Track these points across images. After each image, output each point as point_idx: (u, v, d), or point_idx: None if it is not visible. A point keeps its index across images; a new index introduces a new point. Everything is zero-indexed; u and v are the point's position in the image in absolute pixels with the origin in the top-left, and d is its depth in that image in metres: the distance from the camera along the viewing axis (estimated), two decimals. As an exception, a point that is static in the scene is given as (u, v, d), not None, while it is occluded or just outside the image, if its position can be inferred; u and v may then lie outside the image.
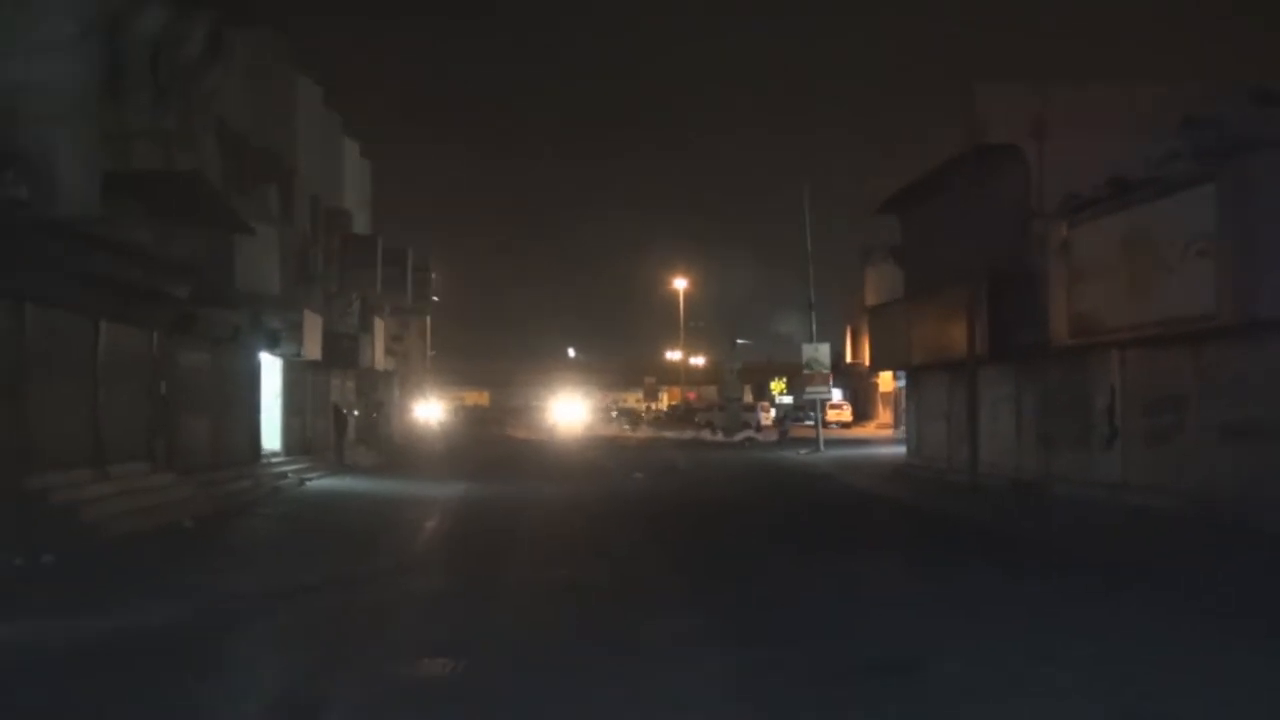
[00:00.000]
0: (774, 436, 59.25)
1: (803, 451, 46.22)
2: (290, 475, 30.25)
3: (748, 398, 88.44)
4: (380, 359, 43.44)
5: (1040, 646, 10.63)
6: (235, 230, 24.45)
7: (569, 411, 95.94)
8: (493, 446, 55.54)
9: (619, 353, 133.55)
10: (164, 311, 22.50)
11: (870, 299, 41.73)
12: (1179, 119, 21.84)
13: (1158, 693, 9.06)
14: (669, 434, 71.48)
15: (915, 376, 35.90)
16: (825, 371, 48.64)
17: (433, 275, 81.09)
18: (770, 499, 27.67)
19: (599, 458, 46.19)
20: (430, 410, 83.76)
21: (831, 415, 77.74)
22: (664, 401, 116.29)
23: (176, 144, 22.15)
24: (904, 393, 42.24)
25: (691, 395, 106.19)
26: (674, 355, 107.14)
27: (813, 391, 48.55)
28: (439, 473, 35.60)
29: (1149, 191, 21.82)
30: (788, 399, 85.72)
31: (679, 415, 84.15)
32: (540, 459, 45.94)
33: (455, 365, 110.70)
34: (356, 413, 37.49)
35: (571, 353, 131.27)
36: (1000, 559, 17.06)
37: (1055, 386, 26.34)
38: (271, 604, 13.26)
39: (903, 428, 44.72)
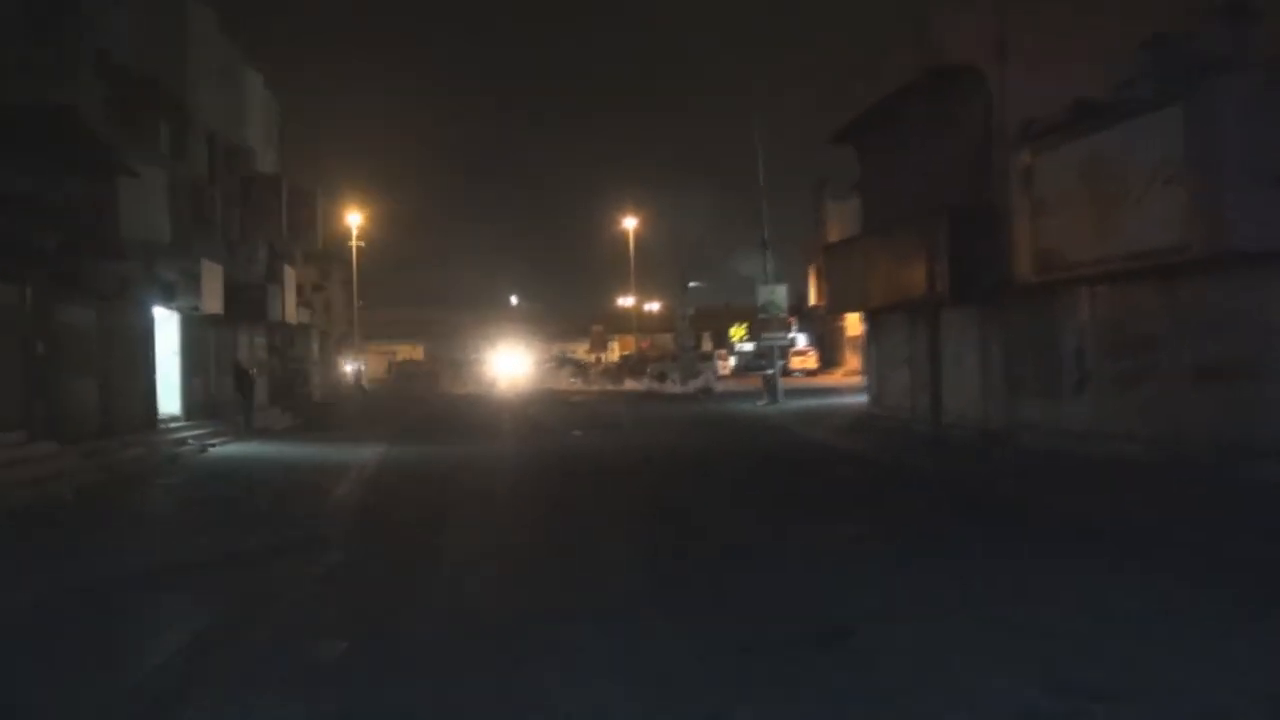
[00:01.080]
0: (732, 386, 59.24)
1: (760, 403, 46.29)
2: (191, 442, 30.06)
3: (706, 346, 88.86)
4: (292, 311, 43.15)
5: (993, 610, 10.79)
6: (117, 172, 24.12)
7: (511, 364, 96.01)
8: (423, 404, 55.59)
9: (567, 300, 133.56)
10: (38, 264, 22.21)
11: (834, 236, 41.84)
12: (1147, 39, 21.87)
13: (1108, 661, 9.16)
14: (619, 387, 71.48)
15: (875, 319, 36.00)
16: (783, 315, 48.58)
17: (356, 219, 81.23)
18: (716, 455, 27.72)
19: (537, 413, 46.34)
20: (357, 366, 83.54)
21: (795, 362, 78.17)
22: (615, 352, 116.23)
23: (50, 77, 21.77)
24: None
25: (645, 344, 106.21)
26: (627, 302, 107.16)
27: (769, 337, 48.47)
28: (360, 434, 35.64)
29: (1113, 115, 21.85)
30: (749, 346, 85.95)
31: (631, 366, 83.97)
32: (472, 416, 46.07)
33: (387, 316, 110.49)
34: (254, 371, 37.15)
35: (515, 301, 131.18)
36: (961, 516, 17.25)
37: (1021, 328, 26.41)
38: (148, 583, 13.19)
39: (870, 375, 44.94)
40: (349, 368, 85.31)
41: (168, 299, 30.26)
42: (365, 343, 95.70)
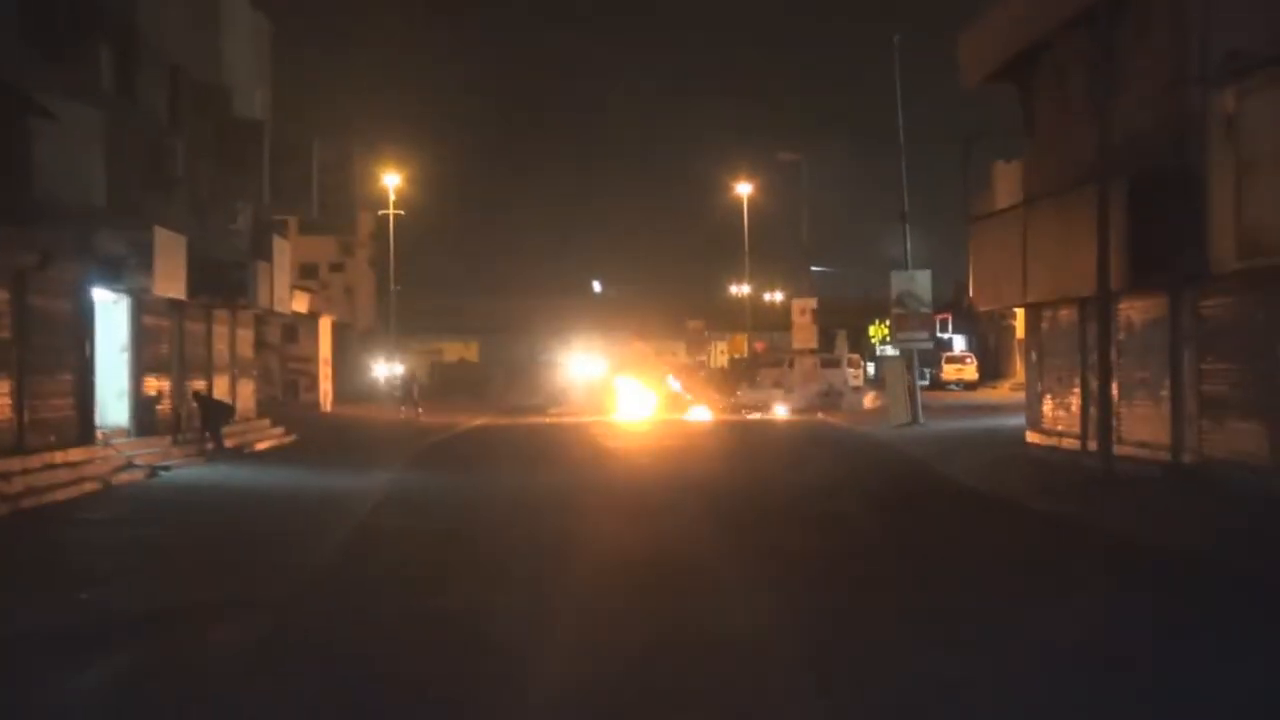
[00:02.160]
0: (865, 403, 57.99)
1: (893, 424, 45.16)
2: (137, 464, 29.64)
3: (841, 347, 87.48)
4: (284, 297, 42.61)
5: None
6: (26, 112, 23.59)
7: (591, 368, 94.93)
8: (461, 419, 54.92)
9: (665, 288, 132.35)
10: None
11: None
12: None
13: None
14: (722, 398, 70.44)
15: (1036, 317, 34.88)
16: (925, 311, 47.34)
17: (393, 180, 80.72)
18: (799, 503, 26.40)
19: (596, 434, 45.70)
20: (388, 369, 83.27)
21: (950, 372, 77.00)
22: (722, 353, 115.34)
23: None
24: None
25: (760, 346, 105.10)
26: (743, 291, 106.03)
27: (905, 339, 47.31)
28: (364, 458, 35.09)
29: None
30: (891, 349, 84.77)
31: (741, 372, 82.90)
32: (516, 439, 45.42)
33: (433, 304, 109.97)
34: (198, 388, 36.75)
35: (598, 287, 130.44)
36: (1146, 605, 15.49)
37: (1223, 330, 25.29)
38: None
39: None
40: (379, 369, 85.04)
41: (112, 277, 29.85)
42: (404, 338, 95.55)
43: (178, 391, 35.26)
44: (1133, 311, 28.61)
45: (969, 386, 75.80)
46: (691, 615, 14.55)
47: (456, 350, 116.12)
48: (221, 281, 36.30)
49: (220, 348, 39.07)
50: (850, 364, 74.28)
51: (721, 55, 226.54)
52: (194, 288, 33.68)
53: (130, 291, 31.32)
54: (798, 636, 13.50)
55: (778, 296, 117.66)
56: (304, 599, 15.90)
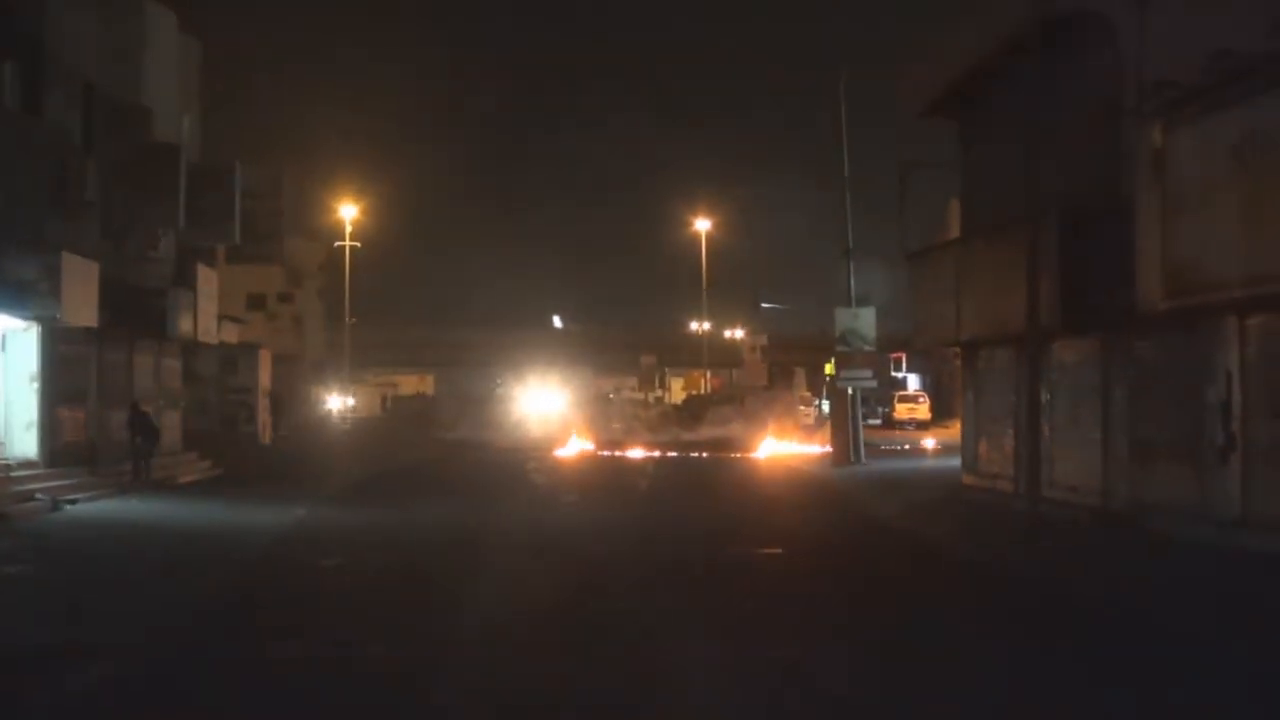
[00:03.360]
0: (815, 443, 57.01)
1: (839, 464, 44.46)
2: (39, 496, 28.57)
3: (800, 384, 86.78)
4: (210, 326, 41.57)
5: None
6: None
7: (545, 403, 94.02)
8: (405, 451, 54.08)
9: (626, 323, 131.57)
10: None
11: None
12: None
13: None
14: (669, 436, 69.58)
15: (972, 356, 34.14)
16: (869, 349, 46.54)
17: (349, 211, 79.86)
18: (726, 543, 25.63)
19: (537, 469, 44.87)
20: (338, 401, 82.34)
21: (903, 411, 76.46)
22: (676, 390, 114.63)
23: None
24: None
25: (717, 382, 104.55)
26: (705, 327, 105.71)
27: (849, 377, 46.43)
28: (290, 490, 34.27)
29: (1274, 73, 19.85)
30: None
31: (691, 409, 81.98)
32: (456, 468, 44.80)
33: (388, 336, 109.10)
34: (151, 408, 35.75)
35: (558, 322, 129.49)
36: (1056, 655, 14.80)
37: (1151, 372, 24.66)
38: None
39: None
40: (332, 402, 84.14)
41: (17, 304, 28.80)
42: (358, 371, 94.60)
43: (93, 422, 34.16)
44: (1066, 352, 27.98)
45: (921, 426, 75.21)
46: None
47: (412, 383, 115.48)
48: (139, 310, 35.31)
49: (143, 378, 37.91)
50: (801, 401, 73.60)
51: (682, 87, 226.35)
52: (110, 316, 32.72)
53: (39, 319, 30.22)
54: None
55: (738, 333, 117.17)
56: (154, 644, 14.94)
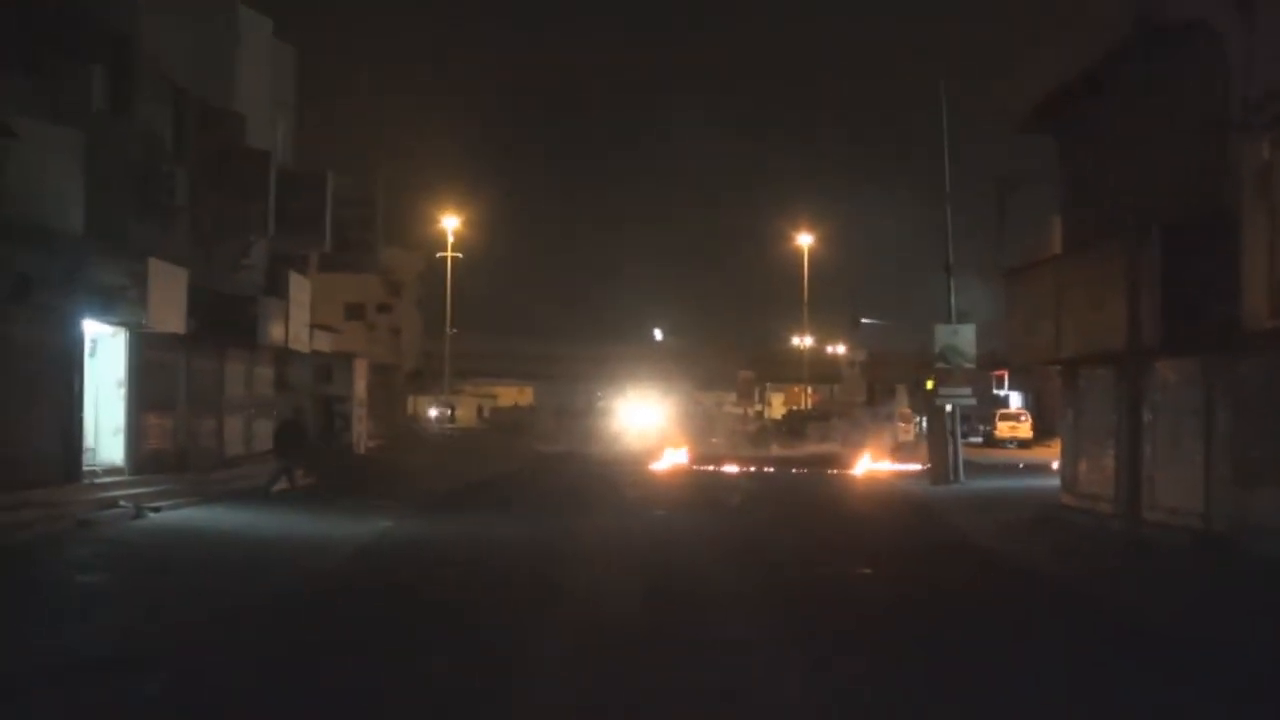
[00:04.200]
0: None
1: (936, 483, 43.69)
2: (123, 504, 28.35)
3: (902, 401, 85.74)
4: (301, 335, 41.49)
5: None
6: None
7: (645, 416, 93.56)
8: (499, 463, 53.80)
9: (727, 338, 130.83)
10: None
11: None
12: None
13: None
14: (767, 451, 68.94)
15: (1071, 376, 33.34)
16: (969, 366, 45.78)
17: (451, 222, 79.87)
18: (814, 559, 25.15)
19: (627, 483, 44.66)
20: (437, 411, 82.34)
21: (1004, 429, 75.36)
22: (775, 405, 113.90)
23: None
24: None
25: (816, 397, 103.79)
26: (805, 342, 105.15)
27: (948, 394, 45.66)
28: (375, 504, 33.76)
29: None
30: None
31: (791, 425, 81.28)
32: (552, 480, 44.93)
33: (487, 348, 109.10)
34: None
35: (659, 335, 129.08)
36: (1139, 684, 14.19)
37: (1254, 392, 23.76)
38: None
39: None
40: (432, 412, 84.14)
41: (104, 310, 28.69)
42: (457, 381, 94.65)
43: (182, 430, 34.07)
44: (1168, 371, 27.09)
45: (1023, 444, 74.06)
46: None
47: (511, 395, 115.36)
48: (230, 317, 35.22)
49: (234, 386, 37.82)
50: (901, 418, 72.76)
51: (783, 100, 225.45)
52: (199, 323, 32.65)
53: (125, 324, 30.12)
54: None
55: (840, 349, 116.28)
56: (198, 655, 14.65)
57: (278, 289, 39.00)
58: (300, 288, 41.07)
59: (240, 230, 36.41)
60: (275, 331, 38.26)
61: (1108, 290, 26.78)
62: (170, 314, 30.80)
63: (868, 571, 23.48)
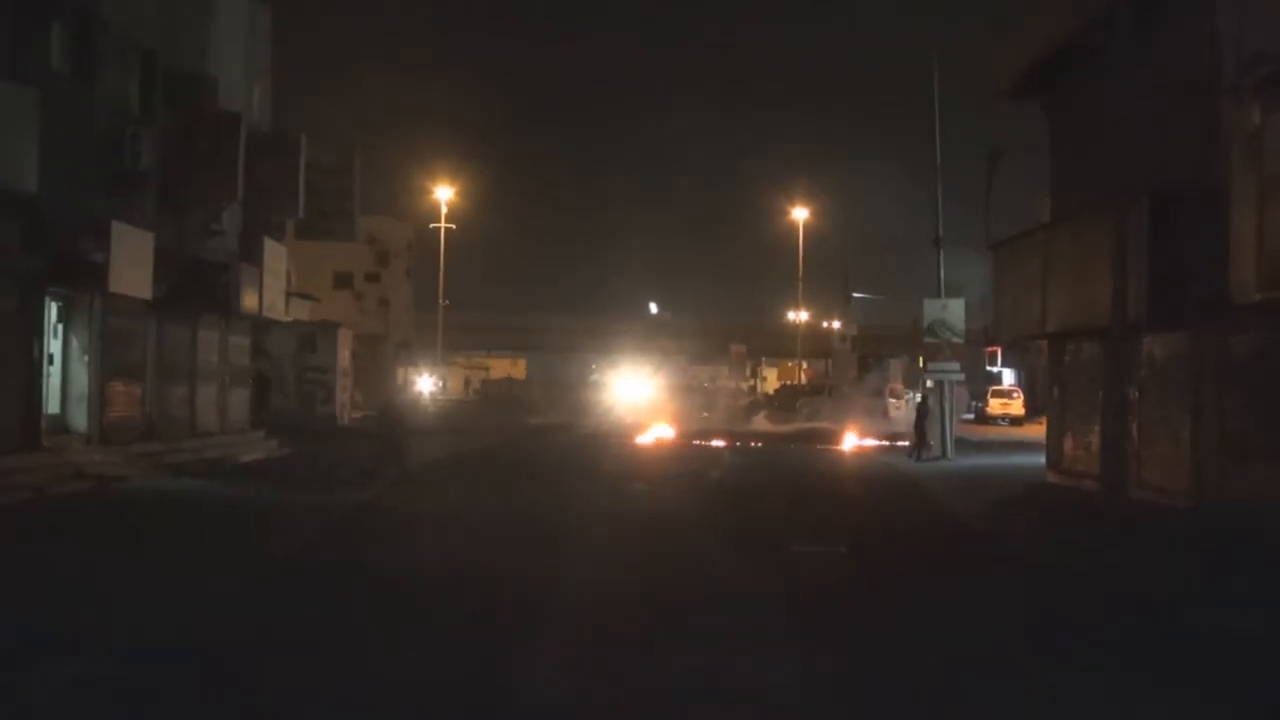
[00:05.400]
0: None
1: (912, 458, 43.19)
2: (88, 473, 27.75)
3: (896, 379, 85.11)
4: (277, 303, 40.61)
5: None
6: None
7: (636, 389, 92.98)
8: (487, 435, 53.22)
9: (721, 312, 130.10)
10: None
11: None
12: None
13: None
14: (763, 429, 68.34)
15: (1058, 350, 32.77)
16: (958, 341, 45.12)
17: (445, 193, 78.98)
18: (790, 535, 24.38)
19: (615, 453, 44.48)
20: (428, 383, 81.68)
21: (996, 406, 74.92)
22: (769, 380, 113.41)
23: None
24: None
25: (808, 372, 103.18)
26: (800, 317, 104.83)
27: (937, 370, 45.04)
28: (350, 475, 33.09)
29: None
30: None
31: (783, 401, 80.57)
32: (536, 452, 44.75)
33: (480, 319, 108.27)
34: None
35: (654, 309, 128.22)
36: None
37: (1243, 367, 23.21)
38: None
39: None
40: (422, 383, 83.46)
41: (68, 275, 27.91)
42: (449, 353, 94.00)
43: (151, 398, 33.30)
44: (1155, 345, 26.62)
45: (1015, 421, 73.58)
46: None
47: (504, 367, 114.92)
48: (201, 284, 34.37)
49: (207, 354, 37.03)
50: (892, 394, 72.13)
51: (780, 74, 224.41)
52: (170, 289, 31.86)
53: (89, 290, 29.31)
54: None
55: (835, 325, 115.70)
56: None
57: (252, 255, 38.13)
58: (276, 255, 40.18)
59: (209, 194, 35.51)
60: (249, 299, 37.38)
61: (1094, 263, 26.16)
62: (136, 279, 29.94)
63: (840, 550, 22.66)
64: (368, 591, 16.96)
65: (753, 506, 29.50)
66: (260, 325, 41.56)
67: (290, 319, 44.04)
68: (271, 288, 39.48)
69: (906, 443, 47.65)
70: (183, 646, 13.44)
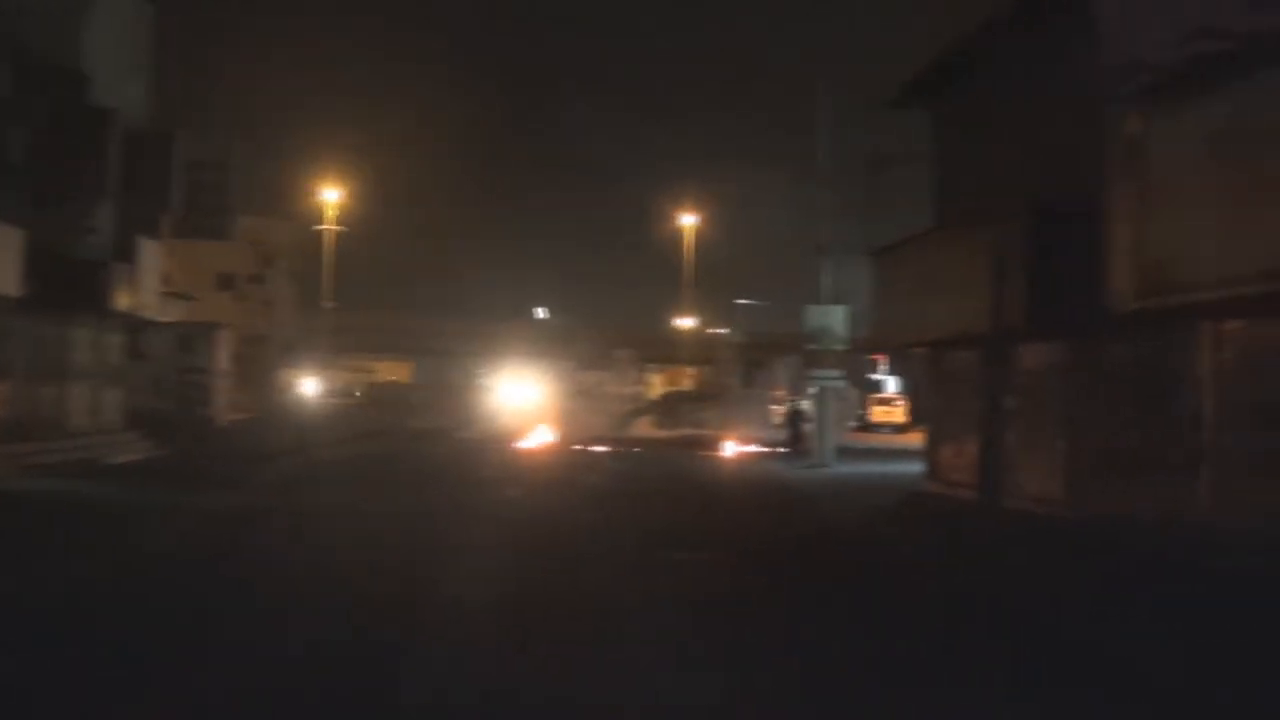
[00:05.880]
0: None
1: (804, 465, 43.29)
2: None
3: (782, 386, 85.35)
4: (151, 302, 39.99)
5: None
6: None
7: (524, 395, 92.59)
8: (366, 439, 52.92)
9: (613, 318, 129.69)
10: None
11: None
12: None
13: None
14: (647, 434, 68.26)
15: (937, 358, 32.74)
16: (840, 347, 45.24)
17: (333, 195, 78.16)
18: (662, 542, 24.08)
19: (497, 462, 43.93)
20: (312, 386, 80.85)
21: (879, 414, 75.35)
22: (656, 386, 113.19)
23: None
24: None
25: (696, 378, 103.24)
26: (689, 322, 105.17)
27: (818, 375, 45.10)
28: (215, 478, 32.56)
29: (1258, 55, 18.20)
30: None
31: (668, 406, 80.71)
32: (412, 458, 44.38)
33: (366, 321, 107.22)
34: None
35: (541, 313, 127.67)
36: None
37: (1119, 377, 23.22)
38: None
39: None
40: (307, 386, 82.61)
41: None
42: (335, 356, 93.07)
43: (21, 398, 32.62)
44: (1032, 355, 26.54)
45: (899, 429, 73.84)
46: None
47: (390, 370, 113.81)
48: (74, 282, 33.72)
49: (80, 354, 36.31)
50: (775, 401, 72.32)
51: (667, 83, 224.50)
52: (41, 287, 31.19)
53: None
54: None
55: (725, 331, 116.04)
56: None
57: (127, 254, 37.47)
58: (152, 253, 39.60)
59: (81, 191, 34.86)
60: (124, 298, 36.75)
61: (974, 271, 25.97)
62: (3, 276, 29.37)
63: (704, 558, 22.34)
64: (212, 596, 16.54)
65: (628, 513, 29.21)
66: (136, 325, 40.85)
67: (167, 319, 43.38)
68: (147, 287, 38.93)
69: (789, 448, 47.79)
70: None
